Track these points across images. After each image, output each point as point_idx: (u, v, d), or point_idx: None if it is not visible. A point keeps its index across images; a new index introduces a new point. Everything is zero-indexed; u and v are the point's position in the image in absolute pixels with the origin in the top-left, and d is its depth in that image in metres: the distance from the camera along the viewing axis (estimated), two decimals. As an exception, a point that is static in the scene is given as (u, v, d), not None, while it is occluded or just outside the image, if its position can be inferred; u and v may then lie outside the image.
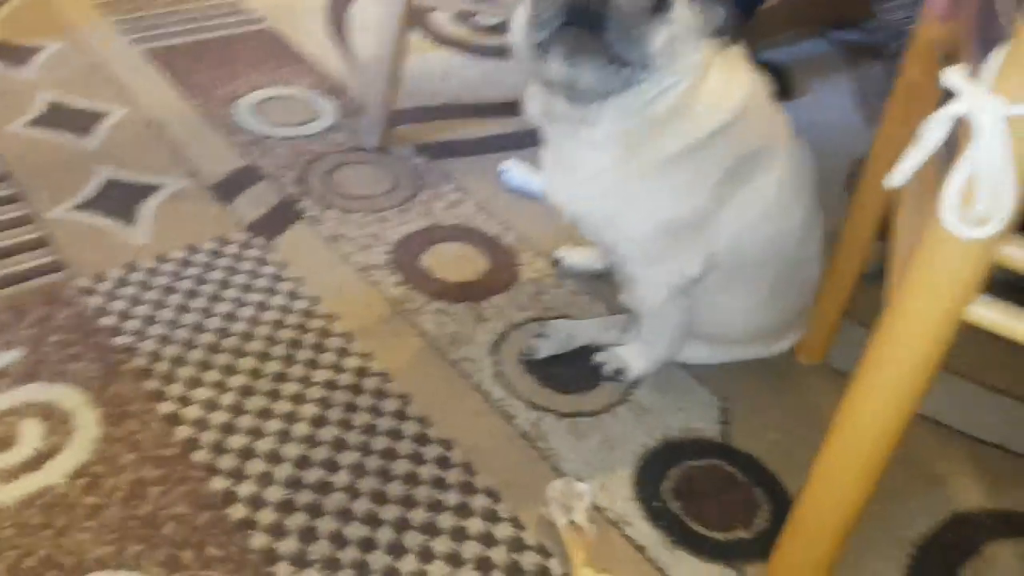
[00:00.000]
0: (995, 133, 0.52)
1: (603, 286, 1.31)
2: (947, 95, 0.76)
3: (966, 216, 0.55)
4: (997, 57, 0.53)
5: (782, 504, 1.02)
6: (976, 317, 0.62)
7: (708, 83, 0.93)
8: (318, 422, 1.06)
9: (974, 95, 0.53)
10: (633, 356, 1.16)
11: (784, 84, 1.86)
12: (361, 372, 1.14)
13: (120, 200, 1.38)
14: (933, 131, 0.57)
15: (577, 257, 1.34)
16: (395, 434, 1.05)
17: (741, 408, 1.14)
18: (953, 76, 0.55)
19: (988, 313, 0.61)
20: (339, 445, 1.03)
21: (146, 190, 1.41)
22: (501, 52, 1.86)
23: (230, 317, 1.20)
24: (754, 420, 1.12)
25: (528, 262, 1.36)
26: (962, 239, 0.57)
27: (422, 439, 1.05)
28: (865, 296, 1.18)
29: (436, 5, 1.82)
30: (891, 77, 1.25)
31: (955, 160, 0.56)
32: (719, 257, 1.02)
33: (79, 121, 1.55)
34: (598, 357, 1.17)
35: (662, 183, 0.97)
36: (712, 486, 1.03)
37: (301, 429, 1.05)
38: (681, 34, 0.89)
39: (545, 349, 1.18)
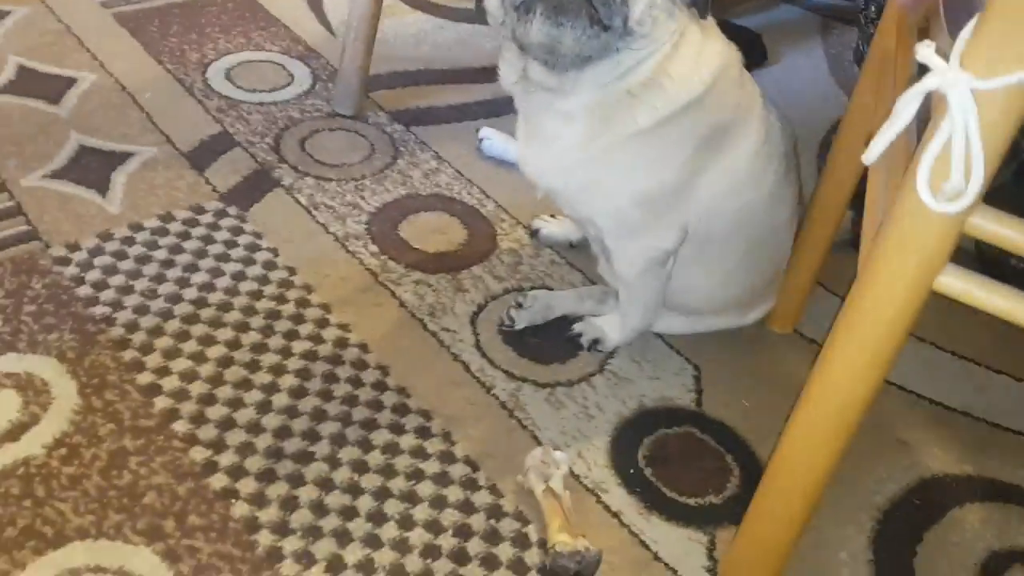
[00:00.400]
0: (965, 108, 0.53)
1: (580, 256, 1.32)
2: (921, 67, 0.77)
3: (939, 190, 0.57)
4: (966, 32, 0.54)
5: (753, 470, 1.04)
6: (945, 287, 0.63)
7: (681, 54, 0.94)
8: (298, 393, 1.07)
9: (944, 70, 0.54)
10: (610, 327, 1.17)
11: (756, 50, 1.86)
12: (340, 343, 1.14)
13: (93, 168, 1.36)
14: (906, 107, 0.58)
15: (554, 227, 1.35)
16: (375, 405, 1.06)
17: (714, 377, 1.16)
18: (924, 51, 0.56)
19: (957, 283, 0.63)
20: (319, 415, 1.04)
21: (119, 157, 1.39)
22: (476, 15, 1.84)
23: (207, 287, 1.19)
24: (727, 388, 1.15)
25: (506, 232, 1.36)
26: (935, 212, 0.58)
27: (401, 409, 1.06)
28: (836, 265, 1.20)
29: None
30: (865, 43, 1.26)
31: (927, 134, 0.57)
32: (692, 228, 1.03)
33: (49, 87, 1.52)
34: (575, 328, 1.18)
35: (635, 156, 0.98)
36: (685, 453, 1.06)
37: (281, 400, 1.05)
38: (658, 3, 0.89)
39: (523, 319, 1.19)
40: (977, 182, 0.56)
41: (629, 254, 1.06)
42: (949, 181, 0.56)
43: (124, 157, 1.39)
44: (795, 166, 1.11)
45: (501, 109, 1.62)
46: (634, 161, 0.98)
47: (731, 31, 1.85)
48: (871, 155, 0.62)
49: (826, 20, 2.04)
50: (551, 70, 0.91)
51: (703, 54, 0.95)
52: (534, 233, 1.36)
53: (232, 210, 1.33)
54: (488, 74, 1.75)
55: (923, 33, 0.93)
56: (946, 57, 0.55)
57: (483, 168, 1.48)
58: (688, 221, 1.03)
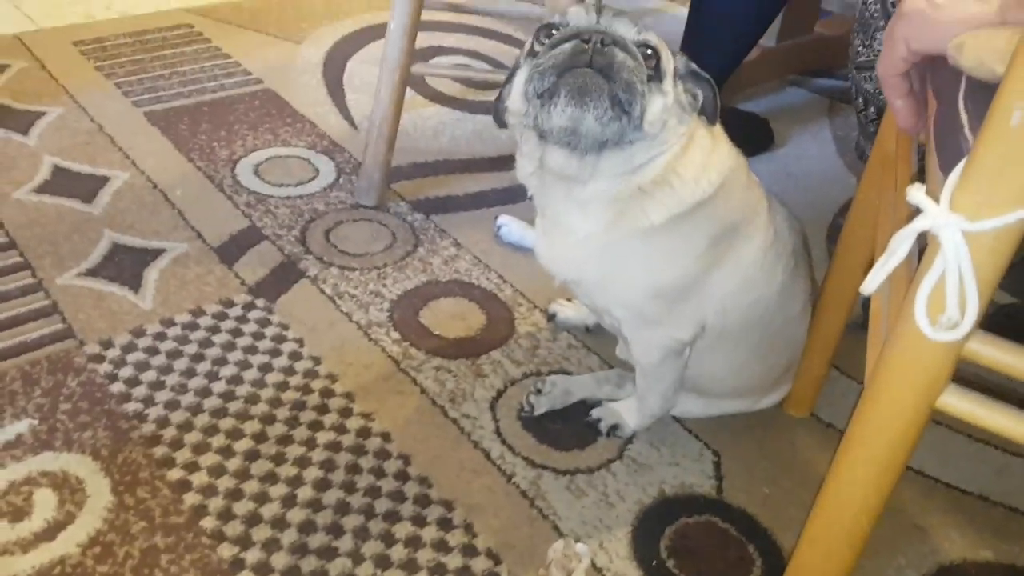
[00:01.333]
0: (957, 248, 0.56)
1: (597, 340, 1.35)
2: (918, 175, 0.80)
3: (936, 320, 0.59)
4: (955, 175, 0.57)
5: (775, 561, 1.05)
6: (947, 407, 0.66)
7: (690, 157, 0.98)
8: (322, 485, 1.09)
9: (935, 213, 0.57)
10: (628, 412, 1.19)
11: (764, 134, 1.91)
12: (363, 432, 1.17)
13: (126, 265, 1.42)
14: (900, 245, 0.61)
15: (571, 312, 1.38)
16: (397, 496, 1.08)
17: (734, 462, 1.17)
18: (916, 195, 0.59)
19: (959, 403, 0.65)
20: (343, 508, 1.06)
21: (151, 254, 1.45)
22: (495, 119, 1.91)
23: (235, 380, 1.23)
24: (746, 474, 1.16)
25: (524, 316, 1.40)
26: (933, 340, 0.61)
27: (423, 500, 1.08)
28: (850, 347, 1.22)
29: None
30: (866, 139, 1.30)
31: (922, 267, 0.60)
32: (708, 322, 1.06)
33: (83, 186, 1.59)
34: (594, 413, 1.21)
35: (649, 251, 1.01)
36: (708, 543, 1.06)
37: (306, 493, 1.08)
38: (671, 106, 0.94)
39: (542, 405, 1.21)
40: (972, 314, 0.59)
41: (646, 344, 1.09)
42: (947, 313, 0.59)
43: (156, 253, 1.45)
44: (805, 261, 1.14)
45: (517, 197, 1.67)
46: (648, 255, 1.01)
47: (738, 117, 1.93)
48: (869, 287, 0.65)
49: (833, 102, 2.10)
50: (571, 152, 0.95)
51: (712, 158, 0.99)
52: (551, 317, 1.39)
53: (260, 302, 1.37)
54: (504, 163, 1.82)
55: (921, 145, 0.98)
56: (937, 198, 0.58)
57: (500, 254, 1.53)
58: (704, 315, 1.05)
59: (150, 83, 1.91)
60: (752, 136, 1.88)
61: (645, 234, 0.99)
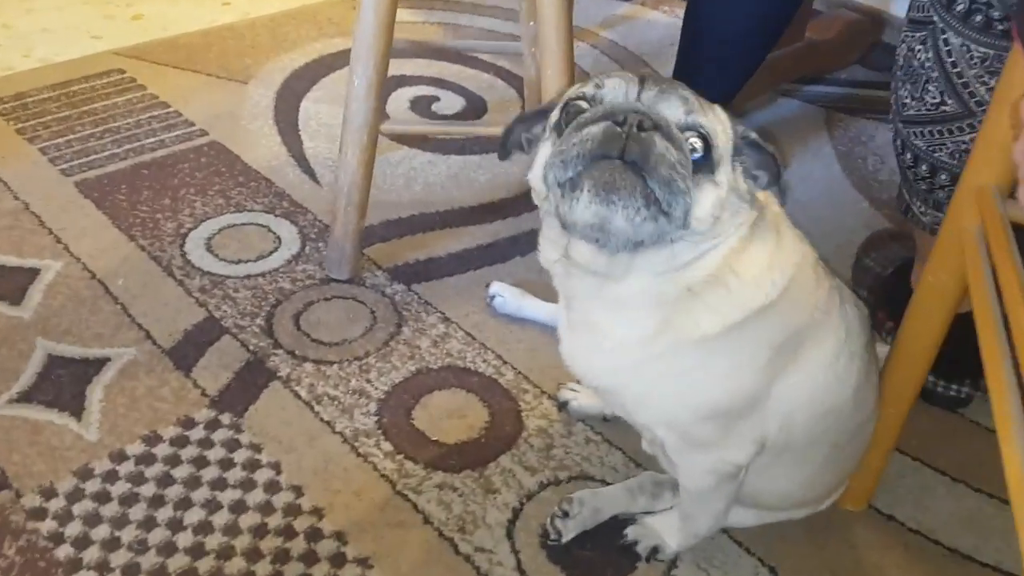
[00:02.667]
0: None
1: (618, 431, 1.18)
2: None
3: None
4: None
5: None
6: None
7: (751, 252, 0.81)
8: (321, 664, 0.91)
9: None
10: (669, 530, 1.03)
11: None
12: (362, 581, 0.99)
13: (65, 384, 1.21)
14: None
15: (584, 399, 1.21)
16: (412, 669, 0.91)
17: (793, 577, 1.02)
18: None
19: None
20: None
21: (93, 366, 1.24)
22: (467, 147, 1.73)
23: (203, 529, 1.04)
24: (810, 593, 1.00)
25: (531, 406, 1.23)
26: None
27: (443, 670, 0.91)
28: (911, 424, 1.07)
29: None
30: (916, 198, 1.13)
31: None
32: (770, 439, 0.90)
33: (9, 283, 1.38)
34: (630, 534, 1.04)
35: (701, 365, 0.84)
36: None
37: (302, 678, 0.90)
38: (725, 198, 0.77)
39: (571, 530, 1.04)
40: None
41: (695, 469, 0.92)
42: None
43: (99, 365, 1.25)
44: (874, 354, 0.98)
45: (505, 252, 1.49)
46: (699, 370, 0.85)
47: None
48: None
49: (829, 112, 1.94)
50: (600, 249, 0.79)
51: (777, 253, 0.82)
52: (562, 406, 1.22)
53: (225, 418, 1.18)
54: (485, 212, 1.64)
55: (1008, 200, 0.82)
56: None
57: (496, 328, 1.35)
58: (766, 432, 0.89)
59: (80, 145, 1.69)
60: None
61: (696, 346, 0.83)
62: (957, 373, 1.21)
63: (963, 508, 1.11)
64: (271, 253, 1.46)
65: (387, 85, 1.89)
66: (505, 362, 1.29)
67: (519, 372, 1.28)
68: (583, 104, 0.78)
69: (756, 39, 1.49)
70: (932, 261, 0.92)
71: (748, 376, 0.86)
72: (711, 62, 1.52)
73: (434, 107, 1.87)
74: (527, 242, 1.51)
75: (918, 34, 0.99)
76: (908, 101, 1.02)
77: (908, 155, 1.06)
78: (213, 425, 1.17)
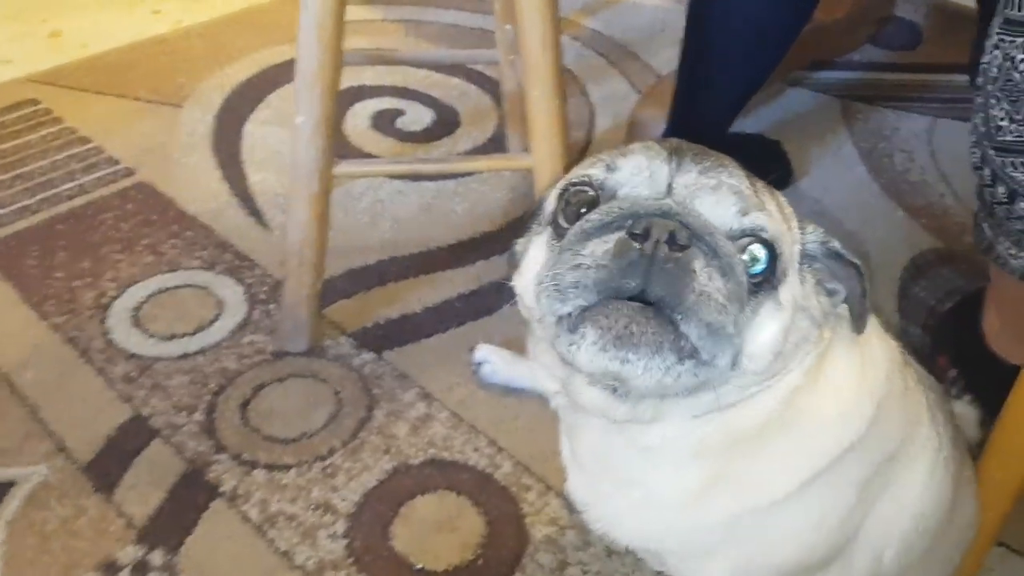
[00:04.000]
0: None
1: (644, 537, 0.97)
2: None
3: None
4: None
5: None
6: None
7: (829, 383, 0.59)
8: None
9: None
10: None
11: (779, 164, 1.50)
12: None
13: (-45, 522, 0.98)
14: None
15: (601, 495, 0.99)
16: None
17: None
18: None
19: None
20: None
21: (-7, 493, 1.01)
22: (439, 173, 1.49)
23: None
24: None
25: (536, 508, 1.00)
26: None
27: None
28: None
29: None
30: (999, 233, 0.91)
31: None
32: None
33: None
34: None
35: (773, 525, 0.63)
36: None
37: None
38: (791, 324, 0.54)
39: None
40: None
41: None
42: None
43: (3, 491, 1.01)
44: (963, 441, 0.76)
45: (492, 302, 1.26)
46: (770, 531, 0.63)
47: (745, 144, 1.52)
48: None
49: (844, 102, 1.71)
50: (616, 397, 0.57)
51: (863, 375, 0.61)
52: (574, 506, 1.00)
53: (156, 556, 0.95)
54: (466, 251, 1.40)
55: None
56: None
57: (487, 404, 1.12)
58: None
59: (-17, 197, 1.44)
60: (765, 168, 1.49)
61: (766, 511, 0.61)
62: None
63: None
64: (211, 323, 1.22)
65: (342, 99, 1.66)
66: (501, 449, 1.07)
67: (518, 462, 1.05)
68: (588, 192, 0.55)
69: (761, 55, 1.27)
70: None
71: (832, 526, 0.64)
72: (711, 82, 1.30)
73: (399, 123, 1.62)
74: (516, 287, 1.28)
75: (1020, 40, 0.76)
76: (1005, 124, 0.79)
77: (1001, 189, 0.84)
78: (141, 569, 0.94)
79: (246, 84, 1.72)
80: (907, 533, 0.69)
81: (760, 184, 0.57)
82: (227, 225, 1.39)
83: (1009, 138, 0.79)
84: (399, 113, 1.64)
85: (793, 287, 0.56)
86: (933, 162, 1.55)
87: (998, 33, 0.79)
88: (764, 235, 0.53)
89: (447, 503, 1.01)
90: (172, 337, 1.20)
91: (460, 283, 1.30)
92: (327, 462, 1.05)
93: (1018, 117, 0.78)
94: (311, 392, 1.14)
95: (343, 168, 1.08)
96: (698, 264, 0.51)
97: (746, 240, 0.53)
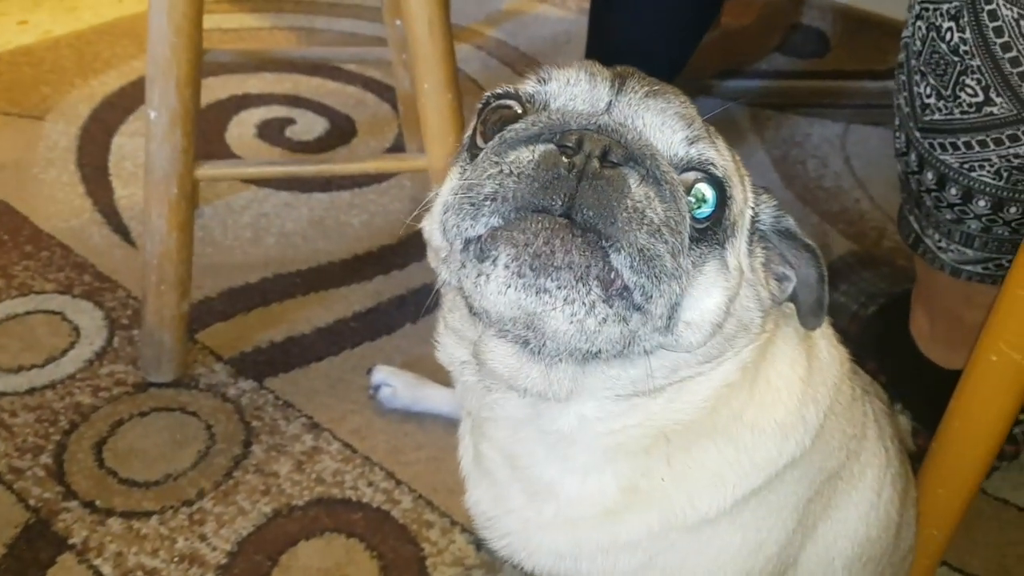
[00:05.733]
0: None
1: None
2: None
3: None
4: None
5: None
6: None
7: (770, 385, 0.51)
8: None
9: None
10: None
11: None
12: None
13: None
14: None
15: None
16: None
17: None
18: None
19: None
20: None
21: None
22: (334, 182, 1.37)
23: None
24: None
25: (439, 547, 0.89)
26: None
27: None
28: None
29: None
30: (927, 224, 0.84)
31: None
32: None
33: None
34: None
35: (700, 551, 0.53)
36: None
37: None
38: (736, 294, 0.47)
39: None
40: None
41: None
42: None
43: None
44: (904, 452, 0.69)
45: (391, 320, 1.15)
46: (697, 559, 0.54)
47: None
48: None
49: (752, 110, 1.66)
50: (525, 351, 0.48)
51: (810, 380, 0.52)
52: (481, 543, 0.88)
53: (-18, 631, 0.79)
54: (363, 265, 1.27)
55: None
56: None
57: (385, 432, 1.00)
58: None
59: None
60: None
61: (692, 532, 0.52)
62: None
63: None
64: (65, 352, 1.07)
65: (223, 109, 1.53)
66: (399, 483, 0.95)
67: (419, 496, 0.93)
68: (514, 107, 0.46)
69: (673, 39, 1.21)
70: (993, 331, 0.63)
71: (770, 554, 0.55)
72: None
73: (288, 132, 1.49)
74: (418, 303, 1.17)
75: (946, 6, 0.69)
76: (932, 101, 0.73)
77: (929, 175, 0.77)
78: (-39, 646, 0.78)
79: (117, 95, 1.57)
80: (851, 561, 0.60)
81: (714, 129, 0.49)
82: (88, 244, 1.23)
83: (937, 117, 0.73)
84: (289, 122, 1.52)
85: (741, 254, 0.47)
86: (848, 168, 1.51)
87: (920, 3, 0.73)
88: (714, 171, 0.45)
89: (335, 548, 0.89)
90: (19, 370, 1.04)
91: (355, 300, 1.18)
92: (195, 507, 0.91)
93: (947, 93, 0.71)
94: (178, 427, 0.99)
95: (206, 170, 0.95)
96: (633, 182, 0.42)
97: (692, 176, 0.45)
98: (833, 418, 0.55)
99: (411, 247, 1.26)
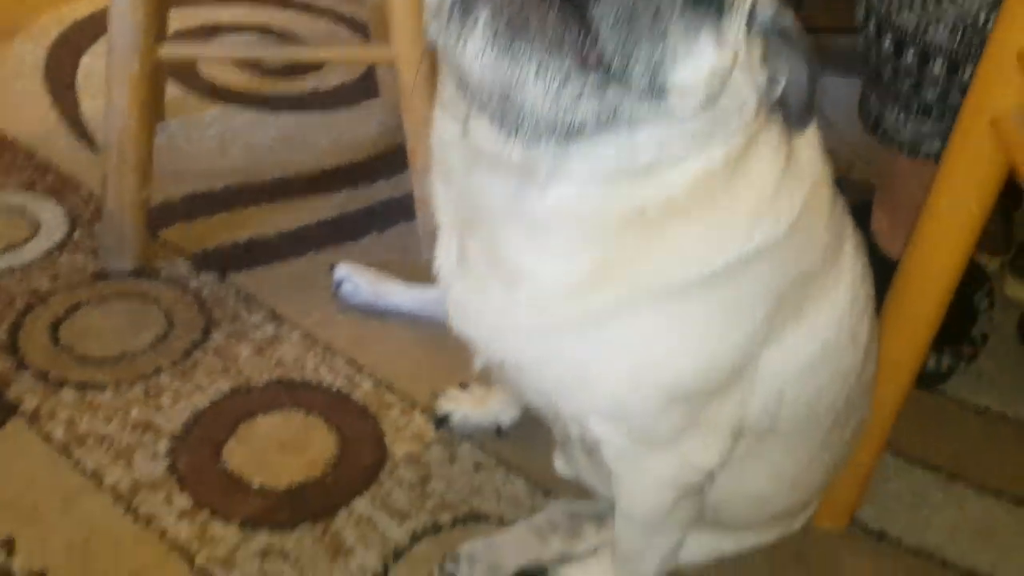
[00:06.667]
0: None
1: (517, 448, 0.87)
2: None
3: None
4: None
5: None
6: None
7: (749, 172, 0.52)
8: None
9: None
10: (600, 585, 0.71)
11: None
12: None
13: None
14: None
15: (470, 407, 0.88)
16: None
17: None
18: None
19: None
20: None
21: None
22: (305, 102, 1.37)
23: None
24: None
25: (398, 425, 0.89)
26: None
27: None
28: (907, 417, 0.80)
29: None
30: (886, 100, 0.86)
31: None
32: (752, 422, 0.60)
33: None
34: (544, 597, 0.72)
35: (666, 327, 0.55)
36: None
37: None
38: (731, 74, 0.48)
39: (459, 601, 0.71)
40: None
41: (647, 483, 0.62)
42: None
43: None
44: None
45: (356, 228, 1.14)
46: (664, 335, 0.55)
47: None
48: None
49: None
50: (510, 131, 0.47)
51: (788, 173, 0.54)
52: (441, 421, 0.88)
53: (-73, 480, 0.78)
54: (330, 180, 1.27)
55: None
56: None
57: (346, 326, 1.00)
58: (745, 417, 0.59)
59: None
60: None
61: (656, 299, 0.53)
62: (935, 342, 0.96)
63: (969, 516, 0.85)
64: (24, 243, 1.06)
65: (196, 35, 1.52)
66: (360, 368, 0.94)
67: (379, 381, 0.93)
68: None
69: None
70: (944, 175, 0.65)
71: (734, 341, 0.56)
72: None
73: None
74: (386, 215, 1.17)
75: None
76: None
77: (886, 42, 0.80)
78: (-96, 494, 0.77)
79: (88, 19, 1.55)
80: (813, 371, 0.61)
81: None
82: (52, 149, 1.22)
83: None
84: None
85: (739, 33, 0.48)
86: (820, 115, 1.54)
87: None
88: None
89: (293, 422, 0.88)
90: (-24, 254, 1.03)
91: (321, 210, 1.18)
92: (151, 382, 0.90)
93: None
94: (137, 313, 0.99)
95: (170, 48, 0.95)
96: None
97: None
98: (810, 216, 0.56)
99: (379, 165, 1.26)
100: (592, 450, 0.66)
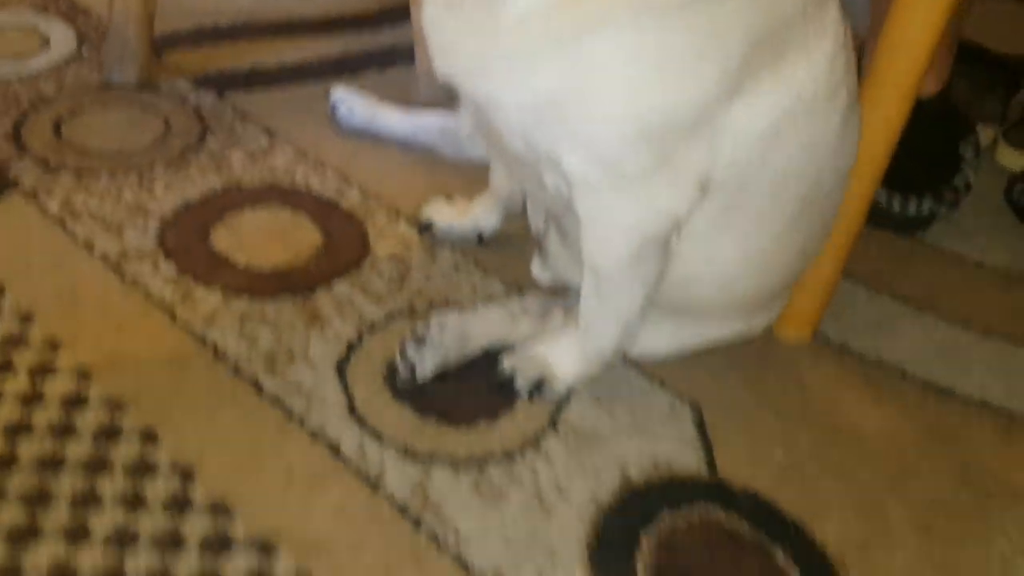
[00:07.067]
0: None
1: (497, 255, 0.89)
2: None
3: None
4: None
5: (817, 567, 0.63)
6: None
7: None
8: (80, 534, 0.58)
9: None
10: (562, 356, 0.74)
11: None
12: (107, 434, 0.66)
13: None
14: None
15: (453, 216, 0.91)
16: (174, 540, 0.59)
17: (723, 417, 0.74)
18: None
19: None
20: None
21: None
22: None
23: None
24: (746, 434, 0.73)
25: (382, 229, 0.91)
26: None
27: (221, 543, 0.59)
28: (860, 251, 0.82)
29: None
30: None
31: None
32: (720, 178, 0.62)
33: None
34: (506, 364, 0.74)
35: (642, 52, 0.56)
36: (710, 553, 0.63)
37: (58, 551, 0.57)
38: None
39: (426, 362, 0.74)
40: None
41: (614, 224, 0.63)
42: None
43: None
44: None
45: (358, 67, 1.17)
46: (639, 61, 0.56)
47: None
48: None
49: None
50: None
51: None
52: (425, 228, 0.91)
53: (-74, 231, 0.82)
54: (334, 26, 1.30)
55: None
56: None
57: (339, 146, 1.02)
58: (714, 167, 0.61)
59: None
60: None
61: (637, 22, 0.54)
62: (916, 185, 0.97)
63: (933, 338, 0.87)
64: (34, 56, 1.09)
65: None
66: (349, 182, 0.97)
67: (368, 194, 0.96)
68: None
69: None
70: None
71: (707, 74, 0.57)
72: None
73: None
74: (387, 57, 1.19)
75: None
76: None
77: None
78: (-96, 238, 0.80)
79: None
80: (792, 122, 0.61)
81: None
82: (65, -23, 1.25)
83: None
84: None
85: None
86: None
87: None
88: None
89: (281, 218, 0.91)
90: (-15, 60, 1.06)
91: (324, 49, 1.20)
92: (145, 174, 0.93)
93: None
94: (136, 118, 1.01)
95: None
96: None
97: None
98: None
99: (385, 18, 1.27)
100: (565, 230, 0.67)
